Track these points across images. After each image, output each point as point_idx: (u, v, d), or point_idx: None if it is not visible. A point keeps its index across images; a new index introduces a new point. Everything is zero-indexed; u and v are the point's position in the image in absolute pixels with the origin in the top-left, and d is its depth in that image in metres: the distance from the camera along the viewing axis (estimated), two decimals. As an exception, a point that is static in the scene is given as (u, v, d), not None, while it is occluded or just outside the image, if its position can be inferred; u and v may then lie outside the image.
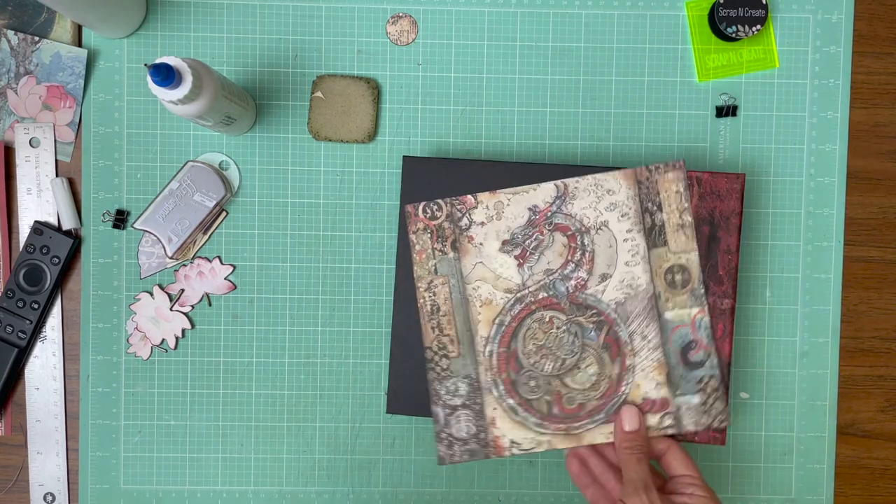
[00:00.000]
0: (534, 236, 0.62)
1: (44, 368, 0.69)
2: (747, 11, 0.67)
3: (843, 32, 0.70)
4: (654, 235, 0.62)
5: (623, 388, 0.62)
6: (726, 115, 0.70)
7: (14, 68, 0.68)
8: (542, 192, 0.62)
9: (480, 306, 0.63)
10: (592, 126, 0.70)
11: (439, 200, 0.63)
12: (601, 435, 0.62)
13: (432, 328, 0.63)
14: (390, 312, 0.69)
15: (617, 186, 0.62)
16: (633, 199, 0.62)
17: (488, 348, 0.63)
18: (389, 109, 0.70)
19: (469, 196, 0.63)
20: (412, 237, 0.63)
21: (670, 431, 0.62)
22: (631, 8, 0.70)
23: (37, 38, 0.68)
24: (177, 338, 0.69)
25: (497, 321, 0.63)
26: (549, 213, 0.62)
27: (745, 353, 0.70)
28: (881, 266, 0.71)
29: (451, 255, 0.63)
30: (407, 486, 0.70)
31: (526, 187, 0.62)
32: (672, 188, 0.62)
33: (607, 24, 0.70)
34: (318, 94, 0.69)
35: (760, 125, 0.70)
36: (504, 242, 0.63)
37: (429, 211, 0.63)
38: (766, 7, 0.67)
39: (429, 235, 0.63)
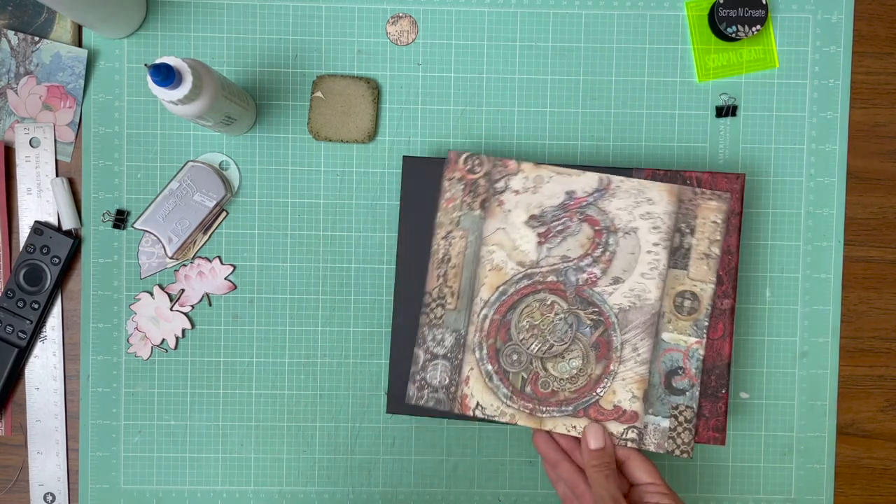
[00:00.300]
0: (562, 220, 0.63)
1: (44, 368, 0.69)
2: (747, 11, 0.67)
3: (843, 32, 0.70)
4: (678, 256, 0.62)
5: (599, 390, 0.63)
6: (726, 115, 0.70)
7: (14, 68, 0.68)
8: (585, 181, 0.63)
9: (489, 270, 0.63)
10: (592, 126, 0.70)
11: (482, 156, 0.63)
12: (562, 425, 0.63)
13: (438, 276, 0.64)
14: (390, 312, 0.69)
15: (658, 198, 0.62)
16: (670, 216, 0.62)
17: (484, 312, 0.63)
18: (389, 109, 0.70)
19: (513, 161, 0.63)
20: (445, 183, 0.63)
21: (630, 445, 0.62)
22: (631, 8, 0.70)
23: (37, 38, 0.68)
24: (177, 338, 0.69)
25: (501, 289, 0.63)
26: (585, 203, 0.62)
27: (745, 353, 0.70)
28: (881, 266, 0.71)
29: (478, 212, 0.63)
30: (407, 486, 0.70)
31: (570, 170, 0.63)
32: (710, 217, 0.62)
33: (607, 24, 0.70)
34: (318, 94, 0.69)
35: (760, 125, 0.70)
36: (532, 217, 0.63)
37: (469, 163, 0.63)
38: (766, 7, 0.67)
39: (462, 187, 0.63)
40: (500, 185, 0.63)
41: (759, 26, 0.67)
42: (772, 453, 0.70)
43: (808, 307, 0.70)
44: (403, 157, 0.65)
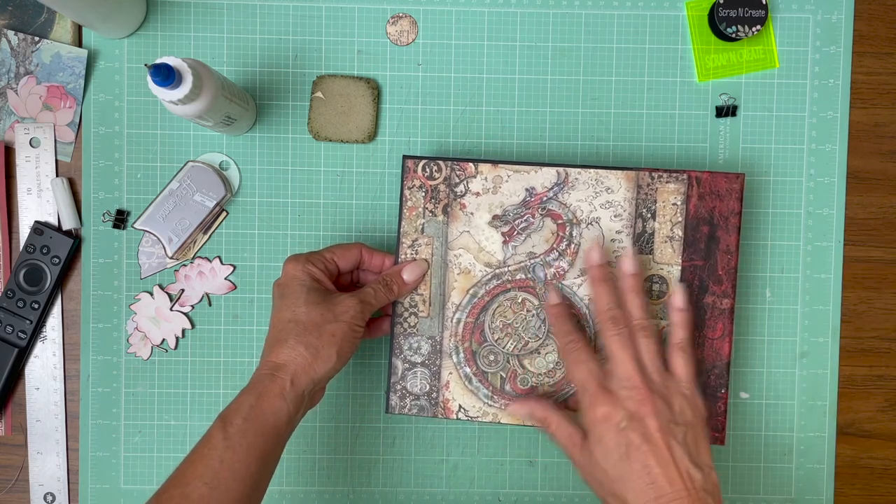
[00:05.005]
0: (525, 217, 0.63)
1: (44, 368, 0.69)
2: (747, 11, 0.67)
3: (843, 32, 0.70)
4: (641, 242, 0.63)
5: None
6: (726, 115, 0.70)
7: (14, 68, 0.68)
8: (543, 176, 0.63)
9: (458, 274, 0.64)
10: (592, 126, 0.70)
11: (440, 161, 0.63)
12: None
13: None
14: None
15: (617, 185, 0.63)
16: (630, 202, 0.63)
17: (457, 316, 0.64)
18: (389, 109, 0.70)
19: (470, 164, 0.63)
20: (406, 192, 0.63)
21: None
22: (631, 8, 0.70)
23: (37, 38, 0.68)
24: (177, 338, 0.69)
25: (471, 292, 0.64)
26: (545, 198, 0.63)
27: (745, 353, 0.70)
28: (881, 266, 0.71)
29: (441, 218, 0.63)
30: (407, 486, 0.70)
31: (527, 167, 0.63)
32: (670, 199, 0.63)
33: (607, 24, 0.70)
34: (318, 94, 0.69)
35: (760, 125, 0.70)
36: (495, 217, 0.63)
37: (428, 170, 0.63)
38: (766, 7, 0.67)
39: (423, 194, 0.63)
40: (460, 188, 0.63)
41: (759, 26, 0.67)
42: (772, 453, 0.70)
43: (808, 307, 0.70)
44: (403, 156, 0.65)
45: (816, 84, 0.70)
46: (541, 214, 0.63)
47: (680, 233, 0.63)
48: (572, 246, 0.63)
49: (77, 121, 0.69)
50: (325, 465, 0.70)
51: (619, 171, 0.63)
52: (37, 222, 0.68)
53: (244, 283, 0.70)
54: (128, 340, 0.69)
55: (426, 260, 0.63)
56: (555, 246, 0.63)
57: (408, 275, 0.62)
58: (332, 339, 0.57)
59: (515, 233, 0.63)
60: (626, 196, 0.63)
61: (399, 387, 0.64)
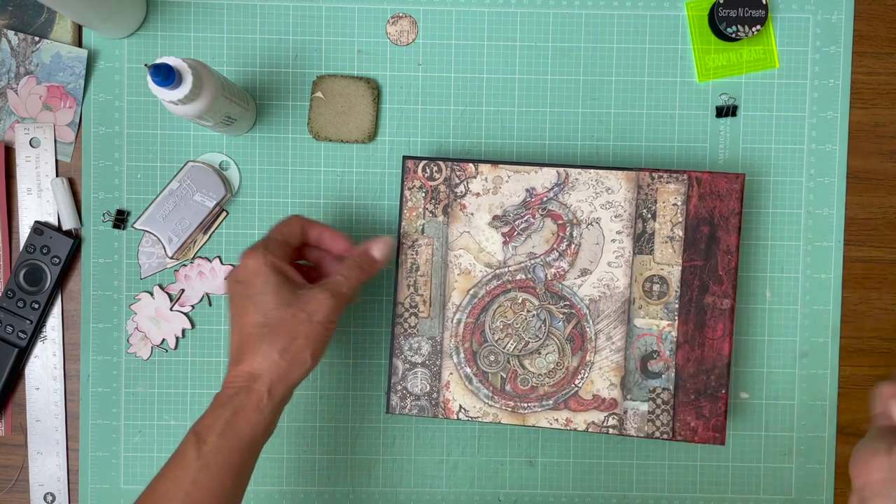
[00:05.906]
0: (525, 217, 0.63)
1: (44, 368, 0.69)
2: (747, 11, 0.67)
3: (843, 32, 0.70)
4: (642, 242, 0.63)
5: (577, 381, 0.64)
6: (726, 115, 0.70)
7: (14, 68, 0.68)
8: (543, 176, 0.63)
9: (458, 274, 0.64)
10: (592, 126, 0.70)
11: (440, 162, 0.63)
12: (545, 419, 0.64)
13: (408, 285, 0.64)
14: (390, 312, 0.69)
15: (617, 186, 0.63)
16: (630, 203, 0.63)
17: (457, 316, 0.64)
18: (389, 109, 0.70)
19: (470, 164, 0.63)
20: (406, 192, 0.64)
21: (612, 432, 0.63)
22: (631, 8, 0.70)
23: (37, 39, 0.68)
24: (177, 338, 0.69)
25: (471, 292, 0.64)
26: (545, 199, 0.63)
27: (745, 353, 0.70)
28: (881, 266, 0.71)
29: (441, 218, 0.64)
30: (407, 486, 0.70)
31: (528, 167, 0.63)
32: (670, 200, 0.63)
33: (607, 24, 0.70)
34: (318, 94, 0.69)
35: (760, 125, 0.70)
36: (495, 217, 0.63)
37: (428, 171, 0.64)
38: (766, 7, 0.67)
39: (423, 195, 0.64)
40: (461, 189, 0.64)
41: (759, 26, 0.67)
42: (772, 453, 0.70)
43: (808, 307, 0.70)
44: (403, 156, 0.65)
45: (816, 84, 0.70)
46: (541, 215, 0.63)
47: (680, 233, 0.63)
48: (572, 246, 0.63)
49: (77, 121, 0.69)
50: (325, 465, 0.70)
51: (620, 172, 0.63)
52: (37, 222, 0.68)
53: (244, 283, 0.70)
54: (128, 340, 0.69)
55: (391, 235, 0.62)
56: (555, 246, 0.63)
57: (378, 252, 0.60)
58: (307, 342, 0.55)
59: (515, 233, 0.63)
60: (626, 196, 0.63)
61: (399, 387, 0.64)
